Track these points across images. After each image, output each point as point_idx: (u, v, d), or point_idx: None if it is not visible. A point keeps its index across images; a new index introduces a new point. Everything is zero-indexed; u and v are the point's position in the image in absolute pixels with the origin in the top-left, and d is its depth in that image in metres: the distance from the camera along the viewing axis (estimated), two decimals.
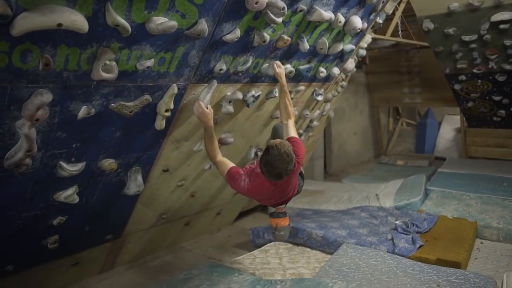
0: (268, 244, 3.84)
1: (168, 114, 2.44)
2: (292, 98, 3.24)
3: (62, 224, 2.68)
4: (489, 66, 5.85)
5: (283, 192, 2.57)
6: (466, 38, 5.39)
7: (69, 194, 2.46)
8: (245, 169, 2.48)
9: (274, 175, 2.28)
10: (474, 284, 2.67)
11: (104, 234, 3.24)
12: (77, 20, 1.62)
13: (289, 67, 2.98)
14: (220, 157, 2.56)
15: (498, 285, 2.71)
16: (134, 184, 2.82)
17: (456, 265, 3.09)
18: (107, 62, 1.91)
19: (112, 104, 2.17)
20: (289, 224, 2.88)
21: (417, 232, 3.73)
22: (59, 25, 1.57)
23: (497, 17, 4.84)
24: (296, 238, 3.83)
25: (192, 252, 4.19)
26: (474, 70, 6.08)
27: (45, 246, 2.76)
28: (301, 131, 4.32)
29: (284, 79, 2.78)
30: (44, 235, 2.73)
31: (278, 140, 2.37)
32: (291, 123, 2.68)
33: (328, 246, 3.64)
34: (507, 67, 5.72)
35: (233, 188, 2.57)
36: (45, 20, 1.54)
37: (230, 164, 2.50)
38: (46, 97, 1.83)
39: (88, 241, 3.16)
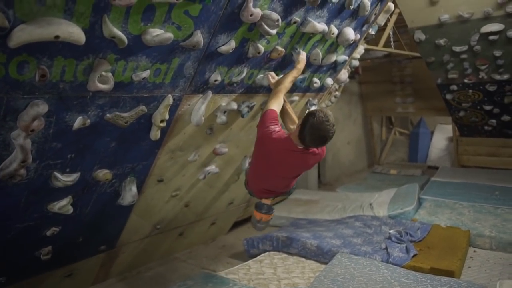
0: (263, 254, 3.84)
1: (163, 124, 2.45)
2: None
3: (56, 235, 2.66)
4: (480, 76, 5.95)
5: (290, 171, 2.56)
6: (457, 49, 5.48)
7: (63, 205, 2.45)
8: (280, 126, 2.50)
9: (319, 137, 2.23)
10: None
11: (98, 245, 3.22)
12: (74, 32, 1.64)
13: None
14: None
15: None
16: (129, 194, 2.82)
17: (449, 274, 3.11)
18: (103, 73, 1.93)
19: (108, 115, 2.18)
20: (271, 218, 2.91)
21: (411, 241, 3.75)
22: (56, 37, 1.58)
23: (487, 28, 4.93)
24: (291, 248, 3.83)
25: (186, 263, 4.17)
26: (465, 80, 6.17)
27: (38, 257, 2.73)
28: None
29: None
30: (37, 246, 2.70)
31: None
32: None
33: (323, 256, 3.65)
34: (497, 77, 5.81)
35: (261, 126, 2.48)
36: (43, 32, 1.55)
37: (276, 109, 2.55)
38: (42, 108, 1.83)
39: (81, 252, 3.14)
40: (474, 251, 3.83)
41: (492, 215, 4.47)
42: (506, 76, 5.73)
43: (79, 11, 1.63)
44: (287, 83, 2.70)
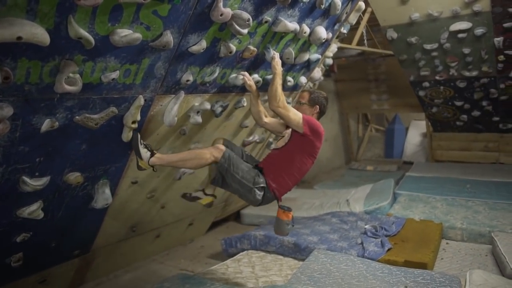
0: (241, 253, 3.85)
1: (135, 125, 2.42)
2: None
3: (27, 240, 2.59)
4: (450, 73, 6.12)
5: None
6: (428, 46, 5.62)
7: (33, 210, 2.39)
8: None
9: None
10: (439, 284, 2.77)
11: (71, 249, 3.15)
12: (38, 33, 1.60)
13: (256, 77, 3.03)
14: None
15: (462, 283, 2.81)
16: (102, 197, 2.77)
17: (423, 266, 3.19)
18: (71, 74, 1.89)
19: (77, 117, 2.14)
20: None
21: (386, 236, 3.83)
22: (19, 38, 1.54)
23: (455, 26, 5.08)
24: (268, 246, 3.85)
25: (164, 265, 4.14)
26: (437, 77, 6.33)
27: (8, 265, 2.66)
28: (270, 140, 4.36)
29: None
30: (7, 253, 2.63)
31: None
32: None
33: (300, 253, 3.68)
34: (467, 74, 5.99)
35: (316, 128, 2.66)
36: (4, 33, 1.51)
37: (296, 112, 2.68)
38: (7, 111, 1.78)
39: (55, 257, 3.07)
40: (447, 243, 3.94)
41: (464, 208, 4.61)
42: (475, 73, 5.92)
43: (42, 11, 1.59)
44: (280, 91, 2.68)
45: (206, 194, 2.78)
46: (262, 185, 2.60)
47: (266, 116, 2.95)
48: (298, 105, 2.85)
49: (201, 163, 2.54)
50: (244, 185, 2.56)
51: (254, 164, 2.74)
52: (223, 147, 2.57)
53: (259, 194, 2.60)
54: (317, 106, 2.82)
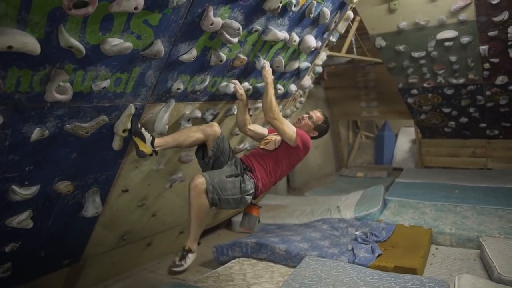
0: (232, 261, 3.84)
1: (125, 134, 2.42)
2: (251, 115, 3.31)
3: (15, 250, 2.56)
4: (438, 81, 6.23)
5: None
6: (416, 54, 5.73)
7: (23, 219, 2.37)
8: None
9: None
10: None
11: (61, 259, 3.12)
12: (29, 42, 1.61)
13: (246, 85, 3.05)
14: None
15: None
16: (92, 205, 2.76)
17: (412, 271, 3.22)
18: (61, 83, 1.89)
19: (67, 126, 2.14)
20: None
21: (376, 242, 3.86)
22: (9, 47, 1.54)
23: (442, 35, 5.19)
24: (260, 253, 3.85)
25: (155, 273, 4.11)
26: (425, 84, 6.45)
27: None
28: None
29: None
30: None
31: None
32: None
33: (291, 260, 3.69)
34: (454, 81, 6.11)
35: (306, 143, 2.79)
36: None
37: (291, 124, 2.79)
38: None
39: (44, 267, 3.04)
40: (436, 248, 3.98)
41: (452, 213, 4.66)
42: (461, 80, 6.03)
43: (33, 21, 1.60)
44: (274, 102, 2.73)
45: (193, 252, 2.65)
46: (251, 191, 2.65)
47: (249, 124, 3.03)
48: (306, 119, 2.93)
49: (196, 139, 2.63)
50: (235, 199, 2.61)
51: (238, 161, 2.76)
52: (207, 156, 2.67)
53: (249, 198, 2.69)
54: (317, 132, 2.96)
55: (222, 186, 2.52)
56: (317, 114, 2.97)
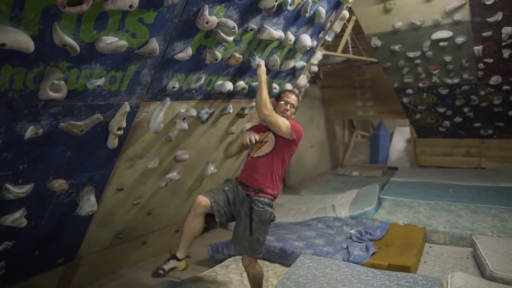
0: (228, 259, 3.84)
1: (120, 132, 2.43)
2: (246, 115, 3.32)
3: (9, 249, 2.55)
4: (433, 80, 6.26)
5: None
6: (411, 54, 5.75)
7: (16, 218, 2.36)
8: None
9: None
10: (422, 286, 2.80)
11: (56, 258, 3.11)
12: (22, 40, 1.61)
13: (242, 83, 3.06)
14: None
15: (444, 285, 2.86)
16: (87, 204, 2.76)
17: (406, 269, 3.24)
18: (55, 81, 1.89)
19: (62, 124, 2.14)
20: None
21: (371, 240, 3.87)
22: (3, 45, 1.54)
23: (437, 35, 5.21)
24: None
25: (150, 272, 4.08)
26: (420, 84, 6.47)
27: None
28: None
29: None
30: None
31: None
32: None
33: (286, 258, 3.70)
34: (449, 81, 6.14)
35: (298, 133, 2.81)
36: None
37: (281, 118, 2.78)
38: None
39: (38, 266, 3.03)
40: (430, 247, 4.00)
41: (446, 212, 4.69)
42: (456, 80, 6.06)
43: (27, 18, 1.60)
44: (268, 99, 2.73)
45: (179, 260, 2.73)
46: (273, 214, 2.78)
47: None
48: (289, 107, 2.88)
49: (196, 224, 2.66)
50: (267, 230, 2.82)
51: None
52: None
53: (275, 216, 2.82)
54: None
55: (259, 244, 2.77)
56: (294, 98, 2.92)
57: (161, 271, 2.62)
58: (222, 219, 2.67)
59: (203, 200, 2.57)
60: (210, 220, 2.70)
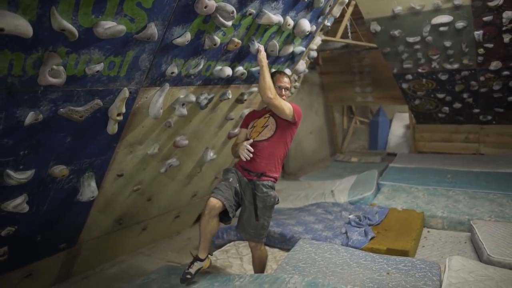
0: (228, 244, 3.88)
1: (120, 118, 2.42)
2: (245, 100, 3.31)
3: (11, 234, 2.58)
4: (432, 66, 6.23)
5: None
6: (410, 39, 5.71)
7: (18, 203, 2.38)
8: None
9: None
10: (420, 270, 2.85)
11: (57, 243, 3.15)
12: (20, 25, 1.59)
13: (241, 69, 3.04)
14: None
15: (442, 269, 2.90)
16: (88, 190, 2.77)
17: (404, 253, 3.28)
18: (54, 67, 1.89)
19: (61, 110, 2.14)
20: None
21: (369, 225, 3.91)
22: (1, 29, 1.53)
23: (437, 20, 5.18)
24: None
25: (151, 257, 4.15)
26: (419, 70, 6.44)
27: None
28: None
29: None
30: None
31: None
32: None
33: (286, 243, 3.74)
34: (448, 66, 6.11)
35: (299, 116, 2.83)
36: None
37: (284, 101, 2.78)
38: None
39: (40, 251, 3.06)
40: (428, 231, 4.04)
41: (444, 197, 4.73)
42: (456, 66, 6.04)
43: (25, 3, 1.58)
44: (271, 83, 2.71)
45: (202, 260, 2.71)
46: (277, 198, 2.86)
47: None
48: (283, 92, 2.84)
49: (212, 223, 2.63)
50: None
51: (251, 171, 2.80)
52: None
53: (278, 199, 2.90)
54: None
55: (264, 228, 2.84)
56: (286, 81, 2.87)
57: (188, 275, 2.62)
58: (234, 212, 2.72)
59: (216, 203, 2.57)
60: (224, 217, 2.73)
